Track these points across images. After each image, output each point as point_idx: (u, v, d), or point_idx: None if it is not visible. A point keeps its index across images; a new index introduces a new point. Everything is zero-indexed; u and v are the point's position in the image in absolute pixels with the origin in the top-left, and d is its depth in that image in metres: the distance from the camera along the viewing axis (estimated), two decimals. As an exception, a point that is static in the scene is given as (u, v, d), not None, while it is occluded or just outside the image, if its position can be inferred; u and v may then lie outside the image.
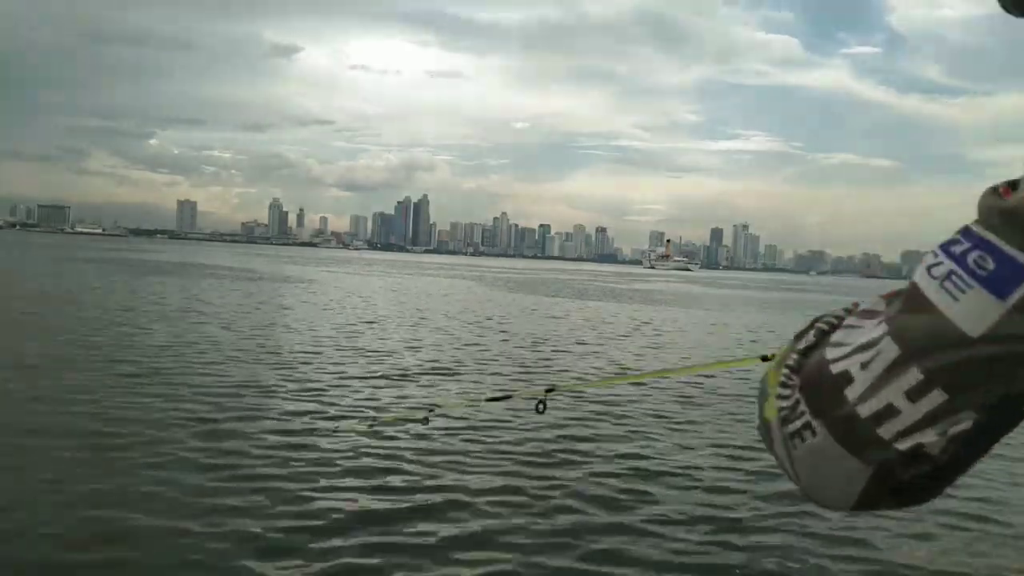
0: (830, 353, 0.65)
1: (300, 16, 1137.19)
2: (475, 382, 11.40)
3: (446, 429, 7.83)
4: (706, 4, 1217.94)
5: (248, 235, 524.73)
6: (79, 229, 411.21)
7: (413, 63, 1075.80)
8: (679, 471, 7.00)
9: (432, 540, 5.36)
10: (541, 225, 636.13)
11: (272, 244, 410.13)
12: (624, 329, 23.47)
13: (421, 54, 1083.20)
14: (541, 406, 1.32)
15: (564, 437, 7.82)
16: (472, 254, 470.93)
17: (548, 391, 1.25)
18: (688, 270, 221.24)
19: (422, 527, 5.55)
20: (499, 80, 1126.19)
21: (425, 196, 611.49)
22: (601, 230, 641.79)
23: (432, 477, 6.63)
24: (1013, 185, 0.58)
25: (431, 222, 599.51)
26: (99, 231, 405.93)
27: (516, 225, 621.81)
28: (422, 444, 7.43)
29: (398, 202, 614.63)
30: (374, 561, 5.03)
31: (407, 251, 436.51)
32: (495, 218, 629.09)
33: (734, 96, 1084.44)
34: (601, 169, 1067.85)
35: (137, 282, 32.92)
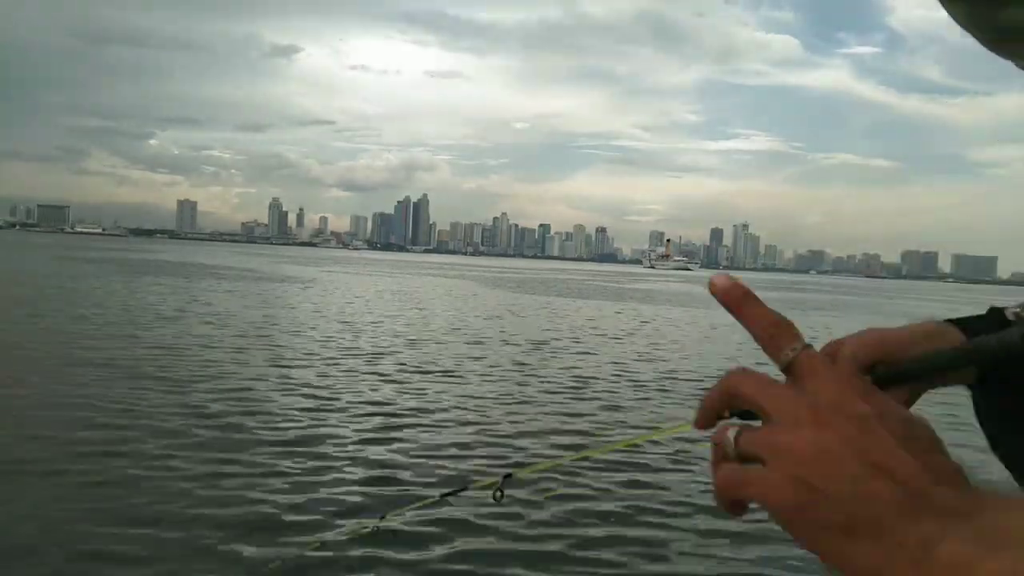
0: None
1: (300, 16, 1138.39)
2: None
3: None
4: (706, 4, 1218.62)
5: (248, 235, 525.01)
6: (79, 229, 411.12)
7: (413, 63, 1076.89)
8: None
9: None
10: (541, 225, 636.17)
11: (272, 244, 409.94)
12: (628, 327, 23.40)
13: (421, 54, 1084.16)
14: (499, 494, 1.26)
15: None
16: (472, 254, 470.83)
17: (506, 477, 1.22)
18: (688, 270, 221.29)
19: None
20: (499, 80, 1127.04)
21: (425, 196, 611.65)
22: (601, 230, 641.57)
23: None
24: None
25: (431, 222, 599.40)
26: (99, 231, 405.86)
27: (516, 225, 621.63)
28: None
29: (398, 202, 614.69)
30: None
31: (407, 251, 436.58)
32: (495, 218, 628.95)
33: (734, 96, 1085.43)
34: (601, 169, 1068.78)
35: (137, 282, 32.84)
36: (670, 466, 7.85)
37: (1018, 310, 0.93)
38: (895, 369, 0.89)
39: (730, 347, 19.95)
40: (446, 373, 13.10)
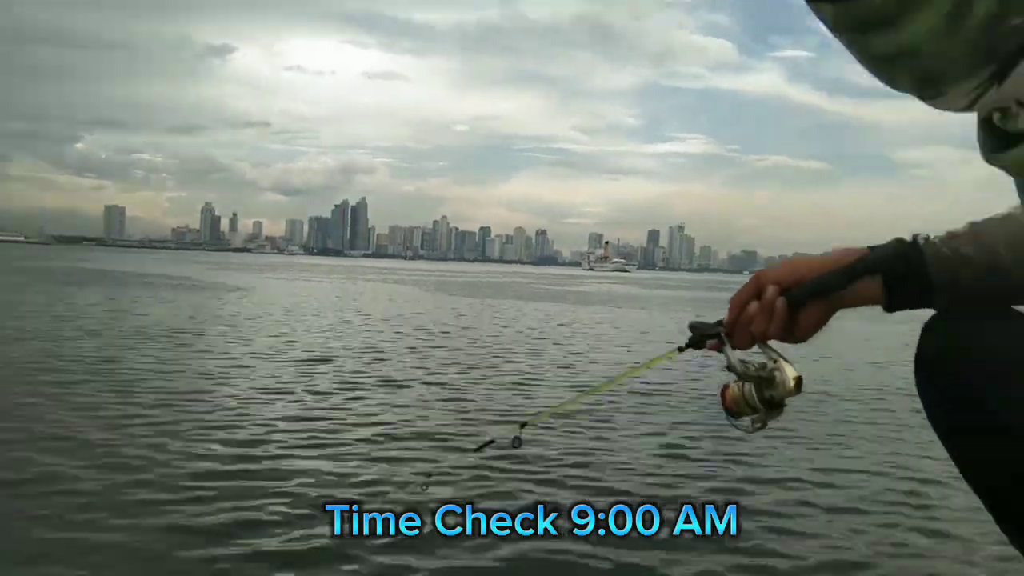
0: None
1: (235, 16, 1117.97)
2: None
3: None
4: (643, 7, 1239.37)
5: (179, 241, 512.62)
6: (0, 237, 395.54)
7: (351, 64, 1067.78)
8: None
9: None
10: (481, 228, 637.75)
11: (204, 250, 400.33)
12: (577, 329, 23.59)
13: (359, 55, 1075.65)
14: (517, 441, 1.41)
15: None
16: (411, 258, 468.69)
17: (522, 426, 1.37)
18: (626, 271, 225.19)
19: None
20: (439, 82, 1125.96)
21: (363, 199, 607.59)
22: (541, 233, 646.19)
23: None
24: None
25: (370, 226, 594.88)
26: (21, 239, 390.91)
27: (456, 228, 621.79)
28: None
29: (336, 205, 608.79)
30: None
31: (345, 255, 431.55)
32: (435, 221, 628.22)
33: (671, 99, 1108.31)
34: (540, 172, 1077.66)
35: (63, 292, 31.61)
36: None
37: (928, 235, 0.97)
38: (800, 290, 1.12)
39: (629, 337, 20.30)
40: (391, 381, 12.99)
